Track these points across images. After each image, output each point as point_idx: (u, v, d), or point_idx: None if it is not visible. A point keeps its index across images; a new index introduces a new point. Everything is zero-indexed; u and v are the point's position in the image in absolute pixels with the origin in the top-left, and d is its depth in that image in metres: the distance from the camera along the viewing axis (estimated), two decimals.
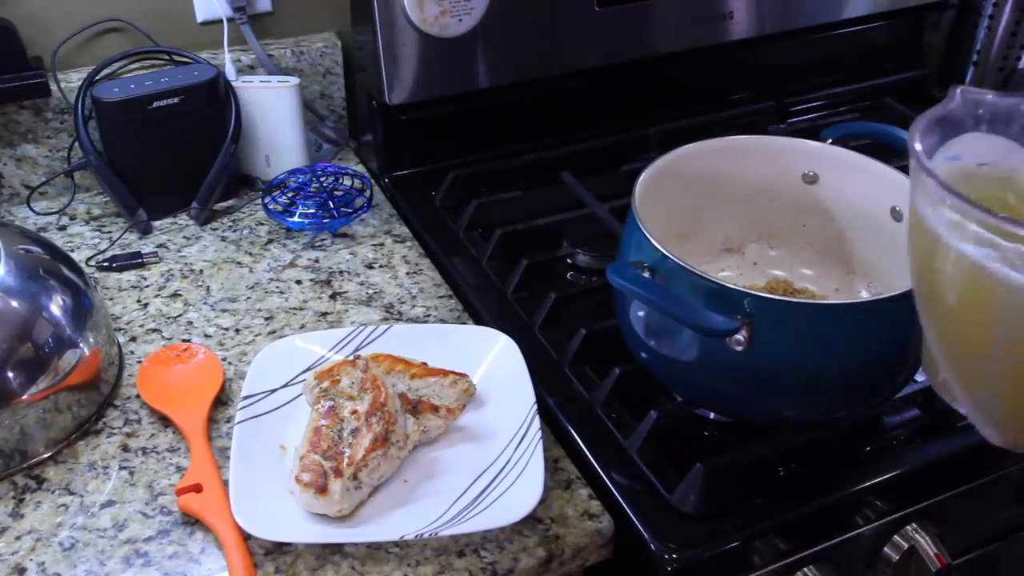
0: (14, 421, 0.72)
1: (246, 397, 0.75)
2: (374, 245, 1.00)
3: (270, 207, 1.00)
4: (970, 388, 0.51)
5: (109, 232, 1.01)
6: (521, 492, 0.68)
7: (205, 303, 0.91)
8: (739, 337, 0.64)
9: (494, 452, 0.73)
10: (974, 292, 0.47)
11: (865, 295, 0.83)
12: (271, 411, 0.75)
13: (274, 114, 1.06)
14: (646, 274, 0.68)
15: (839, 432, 0.74)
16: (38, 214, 1.04)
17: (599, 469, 0.73)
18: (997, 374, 0.49)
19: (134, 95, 0.97)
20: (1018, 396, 0.49)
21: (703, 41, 1.12)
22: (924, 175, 0.48)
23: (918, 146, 0.50)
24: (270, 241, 1.01)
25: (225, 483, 0.70)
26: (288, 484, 0.68)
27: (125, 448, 0.76)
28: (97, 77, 1.01)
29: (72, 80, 1.02)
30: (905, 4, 1.23)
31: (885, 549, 0.76)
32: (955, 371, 0.52)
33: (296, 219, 0.99)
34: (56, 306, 0.76)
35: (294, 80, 1.05)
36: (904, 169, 0.76)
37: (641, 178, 0.75)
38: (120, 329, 0.88)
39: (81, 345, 0.76)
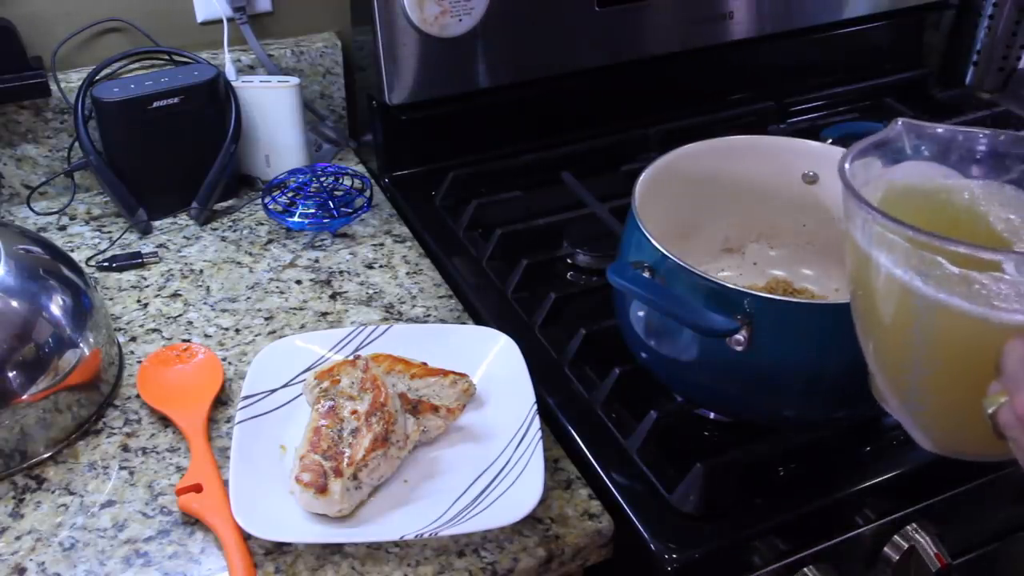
0: (14, 421, 0.72)
1: (246, 397, 0.75)
2: (374, 245, 1.00)
3: (270, 207, 1.00)
4: (901, 397, 0.53)
5: (109, 232, 1.01)
6: (521, 492, 0.68)
7: (205, 303, 0.91)
8: (739, 337, 0.64)
9: (494, 452, 0.73)
10: (897, 306, 0.50)
11: None
12: (271, 411, 0.75)
13: (274, 114, 1.06)
14: (646, 274, 0.68)
15: (839, 432, 0.74)
16: (38, 214, 1.04)
17: (599, 469, 0.73)
18: (917, 388, 0.52)
19: (134, 95, 0.97)
20: (940, 406, 0.52)
21: (703, 41, 1.12)
22: (848, 195, 0.52)
23: (847, 166, 0.53)
24: (270, 241, 1.01)
25: (225, 483, 0.70)
26: (288, 484, 0.68)
27: (125, 448, 0.76)
28: (97, 77, 1.01)
29: (72, 80, 1.02)
30: (905, 4, 1.23)
31: (885, 549, 0.76)
32: (887, 382, 0.54)
33: (296, 219, 0.99)
34: (56, 306, 0.76)
35: (294, 80, 1.05)
36: None
37: (641, 178, 0.75)
38: (120, 329, 0.88)
39: (81, 345, 0.76)
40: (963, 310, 0.47)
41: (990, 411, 0.47)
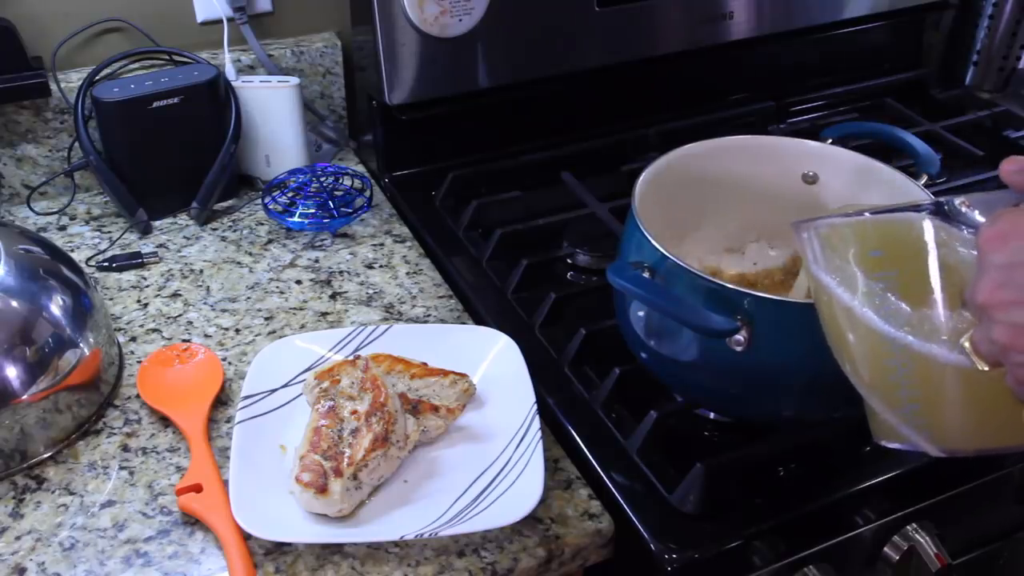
0: (14, 421, 0.72)
1: (246, 397, 0.75)
2: (374, 245, 1.00)
3: (270, 207, 1.00)
4: (894, 408, 0.54)
5: (109, 232, 1.01)
6: (521, 492, 0.68)
7: (205, 303, 0.91)
8: (739, 337, 0.64)
9: (494, 452, 0.73)
10: (869, 344, 0.54)
11: None
12: (271, 411, 0.75)
13: (274, 114, 1.06)
14: (646, 274, 0.68)
15: (839, 432, 0.74)
16: (38, 214, 1.04)
17: (599, 469, 0.73)
18: (908, 398, 0.53)
19: (134, 95, 0.97)
20: (932, 402, 0.53)
21: (703, 41, 1.12)
22: (799, 230, 0.57)
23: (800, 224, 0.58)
24: (270, 241, 1.01)
25: (225, 483, 0.70)
26: (288, 484, 0.68)
27: (125, 448, 0.76)
28: (97, 77, 1.01)
29: (72, 80, 1.02)
30: (905, 4, 1.23)
31: (885, 549, 0.76)
32: (880, 401, 0.55)
33: (296, 219, 0.99)
34: (56, 306, 0.76)
35: (294, 80, 1.05)
36: (904, 169, 0.77)
37: (641, 178, 0.75)
38: (120, 329, 0.88)
39: (81, 345, 0.76)
40: (917, 349, 0.51)
41: (965, 342, 0.49)
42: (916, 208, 0.53)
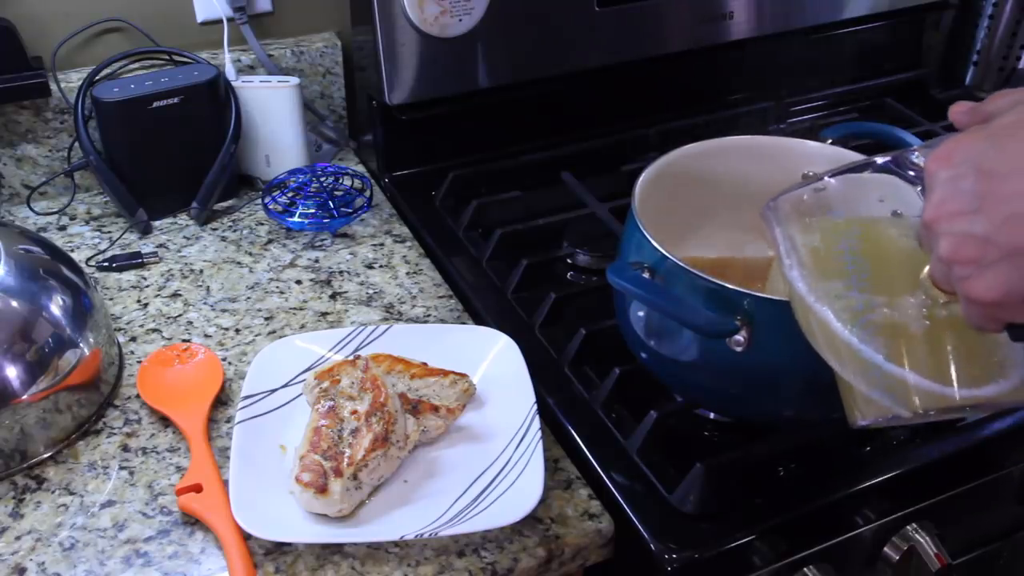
0: (14, 421, 0.72)
1: (246, 397, 0.75)
2: (374, 245, 1.00)
3: (270, 207, 1.00)
4: (866, 379, 0.55)
5: (109, 232, 1.01)
6: (521, 492, 0.68)
7: (205, 303, 0.91)
8: (739, 337, 0.64)
9: (494, 452, 0.73)
10: (832, 339, 0.56)
11: None
12: (271, 411, 0.75)
13: (274, 114, 1.06)
14: (646, 274, 0.68)
15: (839, 432, 0.74)
16: (38, 214, 1.04)
17: (599, 469, 0.73)
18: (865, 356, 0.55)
19: (134, 95, 0.97)
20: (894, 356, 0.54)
21: (703, 41, 1.12)
22: (768, 217, 0.58)
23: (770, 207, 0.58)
24: (270, 241, 1.01)
25: (225, 483, 0.70)
26: (288, 484, 0.68)
27: (125, 448, 0.76)
28: (97, 77, 1.01)
29: (72, 80, 1.02)
30: (905, 4, 1.23)
31: (885, 549, 0.76)
32: (852, 375, 0.56)
33: (296, 219, 0.99)
34: (56, 306, 0.76)
35: (294, 80, 1.05)
36: None
37: (641, 178, 0.75)
38: (120, 329, 0.88)
39: (81, 345, 0.76)
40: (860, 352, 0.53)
41: (924, 275, 0.50)
42: (873, 163, 0.54)
